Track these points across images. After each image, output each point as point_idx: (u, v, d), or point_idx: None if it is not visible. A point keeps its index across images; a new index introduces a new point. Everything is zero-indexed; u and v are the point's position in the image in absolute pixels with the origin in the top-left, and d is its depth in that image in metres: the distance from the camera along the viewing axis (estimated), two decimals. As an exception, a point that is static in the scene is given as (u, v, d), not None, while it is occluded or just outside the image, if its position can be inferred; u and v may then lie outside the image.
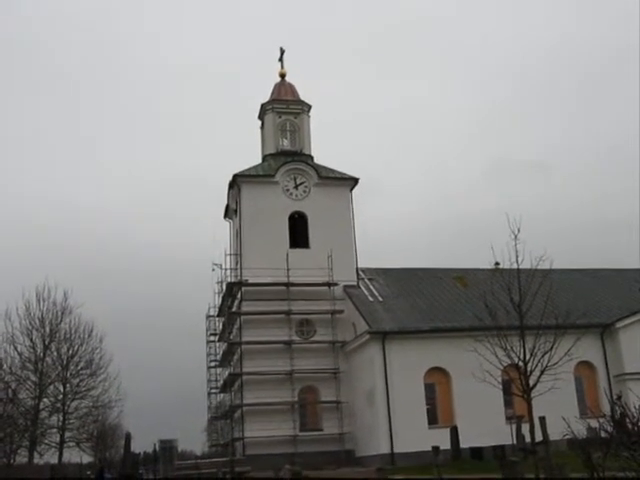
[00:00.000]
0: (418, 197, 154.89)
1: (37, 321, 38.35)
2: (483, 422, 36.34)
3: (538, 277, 24.78)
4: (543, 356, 21.87)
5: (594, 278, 49.41)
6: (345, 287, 44.56)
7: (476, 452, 33.76)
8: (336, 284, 44.12)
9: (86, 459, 66.33)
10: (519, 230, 22.83)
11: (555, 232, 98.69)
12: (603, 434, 5.66)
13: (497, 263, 25.03)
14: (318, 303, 43.54)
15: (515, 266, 22.80)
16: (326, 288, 44.08)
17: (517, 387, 22.49)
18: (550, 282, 26.22)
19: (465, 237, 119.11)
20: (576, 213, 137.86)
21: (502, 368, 23.83)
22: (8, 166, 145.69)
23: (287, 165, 47.45)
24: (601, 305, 45.27)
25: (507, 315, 23.41)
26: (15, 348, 37.60)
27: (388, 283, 46.21)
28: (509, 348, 22.02)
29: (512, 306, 22.76)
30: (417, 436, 36.24)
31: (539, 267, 23.68)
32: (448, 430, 35.99)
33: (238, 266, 45.69)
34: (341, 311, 43.84)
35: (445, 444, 32.99)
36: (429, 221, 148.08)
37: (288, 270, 43.38)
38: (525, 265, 23.19)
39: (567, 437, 9.74)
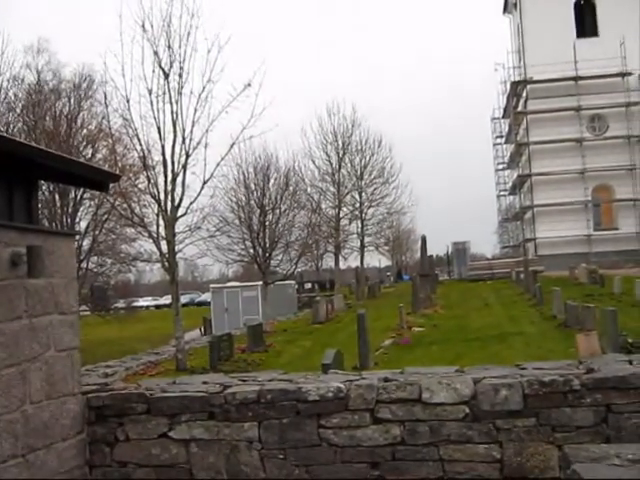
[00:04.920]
0: None
1: (330, 135, 40.54)
2: None
3: None
4: None
5: None
6: (641, 76, 41.17)
7: None
8: (630, 74, 40.89)
9: (384, 262, 71.19)
10: None
11: None
12: None
13: None
14: (610, 96, 40.83)
15: None
16: (619, 79, 41.06)
17: None
18: None
19: None
20: None
21: None
22: None
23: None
24: None
25: None
26: (313, 162, 40.49)
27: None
28: None
29: None
30: None
31: None
32: None
33: (521, 63, 43.95)
34: (637, 103, 40.89)
35: None
36: None
37: (576, 63, 40.78)
38: None
39: None
